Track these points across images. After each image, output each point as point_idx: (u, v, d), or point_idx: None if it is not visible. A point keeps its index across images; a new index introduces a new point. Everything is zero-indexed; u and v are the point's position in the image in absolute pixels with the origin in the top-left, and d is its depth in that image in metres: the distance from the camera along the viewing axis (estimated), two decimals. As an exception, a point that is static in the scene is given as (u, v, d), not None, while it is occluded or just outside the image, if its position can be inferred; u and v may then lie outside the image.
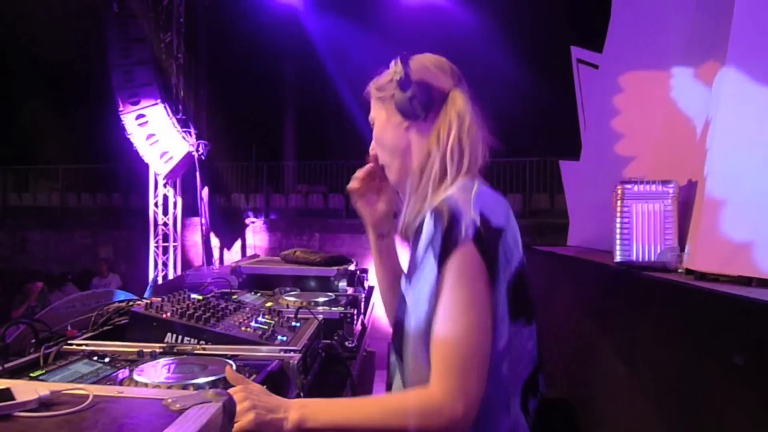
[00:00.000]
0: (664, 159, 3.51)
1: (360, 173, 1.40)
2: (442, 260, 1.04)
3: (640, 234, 2.91)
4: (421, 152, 1.22)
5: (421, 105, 1.20)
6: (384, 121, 1.28)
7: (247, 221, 12.39)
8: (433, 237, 1.06)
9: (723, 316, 2.09)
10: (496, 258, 1.06)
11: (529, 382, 1.15)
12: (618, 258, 2.99)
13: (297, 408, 1.00)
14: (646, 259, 2.89)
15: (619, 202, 2.96)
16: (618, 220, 2.96)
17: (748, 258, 2.39)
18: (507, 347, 1.09)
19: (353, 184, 1.40)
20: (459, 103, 1.20)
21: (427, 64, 1.24)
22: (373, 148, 1.33)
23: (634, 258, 2.93)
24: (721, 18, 2.81)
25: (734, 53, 2.64)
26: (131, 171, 13.87)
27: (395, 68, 1.23)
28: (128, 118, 9.02)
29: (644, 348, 2.69)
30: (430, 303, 1.06)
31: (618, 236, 2.97)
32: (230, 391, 0.99)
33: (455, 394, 1.00)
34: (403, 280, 1.19)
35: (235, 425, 0.90)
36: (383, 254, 1.46)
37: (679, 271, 2.78)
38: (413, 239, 1.15)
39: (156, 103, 9.04)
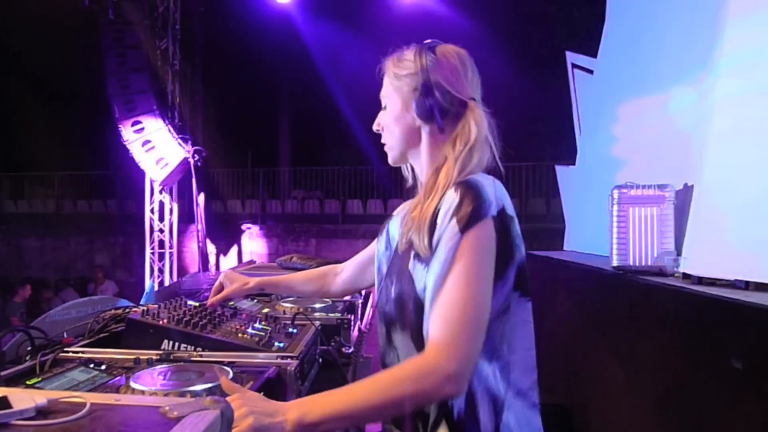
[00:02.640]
0: (660, 163, 3.51)
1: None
2: (465, 228, 1.09)
3: (636, 238, 2.91)
4: (436, 153, 1.26)
5: (441, 114, 1.23)
6: (398, 113, 1.30)
7: (243, 227, 12.37)
8: (459, 207, 1.11)
9: (720, 320, 2.10)
10: (512, 240, 1.15)
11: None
12: (615, 262, 2.99)
13: (295, 407, 1.00)
14: (643, 263, 2.90)
15: (615, 207, 2.97)
16: (614, 224, 2.97)
17: (744, 262, 2.39)
18: (519, 317, 1.19)
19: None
20: (477, 116, 1.23)
21: (453, 62, 1.26)
22: (378, 125, 1.36)
23: (630, 262, 2.93)
24: (716, 22, 2.82)
25: (729, 58, 2.65)
26: (127, 178, 13.86)
27: (419, 60, 1.25)
28: (124, 125, 9.01)
29: (641, 352, 2.69)
30: (445, 267, 1.10)
31: (614, 241, 2.98)
32: (227, 398, 0.98)
33: (448, 353, 1.04)
34: (411, 262, 1.21)
35: (234, 431, 0.89)
36: (289, 291, 1.81)
37: (676, 275, 2.79)
38: (428, 225, 1.17)
39: (152, 110, 9.03)
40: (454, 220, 1.11)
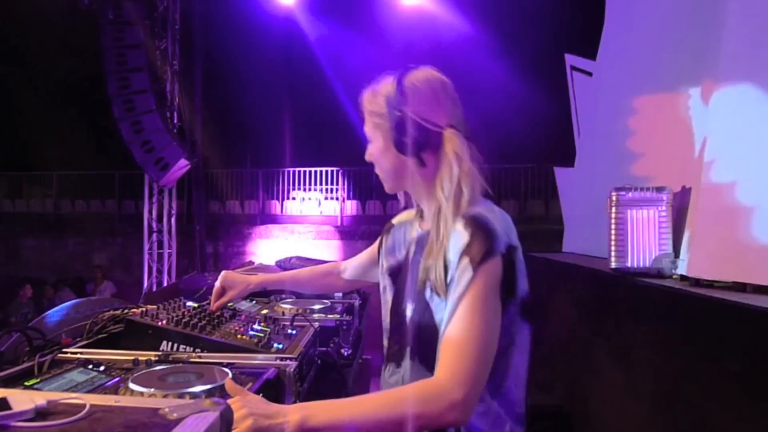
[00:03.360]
0: (658, 165, 3.52)
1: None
2: (478, 266, 1.11)
3: (634, 240, 2.92)
4: (428, 185, 1.28)
5: (419, 148, 1.25)
6: (381, 148, 1.32)
7: (241, 227, 12.36)
8: (469, 245, 1.13)
9: (718, 322, 2.10)
10: (515, 273, 1.17)
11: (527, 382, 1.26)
12: (613, 264, 3.00)
13: (297, 410, 1.00)
14: (641, 265, 2.90)
15: (613, 209, 2.97)
16: (613, 226, 2.97)
17: (742, 264, 2.40)
18: (515, 343, 1.21)
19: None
20: (455, 145, 1.23)
21: (423, 92, 1.26)
22: (370, 156, 1.37)
23: (629, 264, 2.93)
24: (715, 25, 2.83)
25: (727, 62, 2.65)
26: (126, 178, 13.87)
27: (390, 95, 1.26)
28: (123, 125, 9.00)
29: (640, 353, 2.70)
30: (456, 303, 1.12)
31: (613, 243, 2.98)
32: (228, 401, 0.99)
33: (456, 380, 1.05)
34: (426, 291, 1.23)
35: (234, 431, 0.89)
36: (296, 287, 1.83)
37: (674, 277, 2.79)
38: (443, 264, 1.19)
39: (151, 110, 9.02)
40: (466, 260, 1.13)
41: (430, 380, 1.08)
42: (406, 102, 1.24)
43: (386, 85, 1.28)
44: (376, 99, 1.30)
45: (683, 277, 2.68)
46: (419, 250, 1.30)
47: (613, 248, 2.99)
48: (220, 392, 1.05)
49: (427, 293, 1.23)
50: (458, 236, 1.16)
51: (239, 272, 2.47)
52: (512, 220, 1.25)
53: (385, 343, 1.39)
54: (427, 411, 1.03)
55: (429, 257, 1.23)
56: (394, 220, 1.52)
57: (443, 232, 1.20)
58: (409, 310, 1.28)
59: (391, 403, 1.05)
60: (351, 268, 1.74)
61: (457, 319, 1.11)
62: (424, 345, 1.22)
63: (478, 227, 1.15)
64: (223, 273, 1.76)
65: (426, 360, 1.21)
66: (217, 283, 1.71)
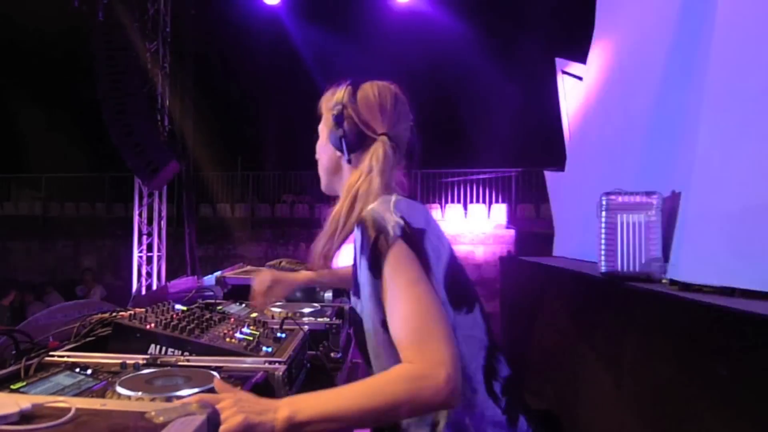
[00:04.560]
0: (648, 169, 3.54)
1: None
2: (377, 264, 1.13)
3: (624, 245, 2.93)
4: (345, 186, 1.33)
5: (348, 146, 1.32)
6: (323, 142, 1.42)
7: (232, 231, 12.33)
8: (363, 245, 1.16)
9: (706, 327, 2.11)
10: (425, 253, 1.15)
11: (487, 368, 1.20)
12: (603, 268, 3.01)
13: (286, 405, 1.00)
14: (631, 269, 2.91)
15: (603, 213, 2.98)
16: (603, 230, 2.98)
17: (731, 269, 2.41)
18: (461, 335, 1.16)
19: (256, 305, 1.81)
20: (378, 153, 1.28)
21: (370, 99, 1.32)
22: (316, 153, 1.46)
23: (618, 268, 2.95)
24: (704, 30, 2.85)
25: (716, 67, 2.67)
26: (116, 180, 13.81)
27: (341, 96, 1.34)
28: (113, 128, 8.95)
29: (629, 357, 2.71)
30: (375, 303, 1.15)
31: (602, 247, 2.99)
32: (218, 397, 0.98)
33: (432, 362, 1.03)
34: (352, 298, 1.29)
35: (223, 426, 0.89)
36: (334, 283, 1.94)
37: (663, 281, 2.80)
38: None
39: (141, 113, 8.98)
40: (365, 259, 1.15)
41: (408, 366, 1.05)
42: (351, 102, 1.32)
43: (344, 87, 1.35)
44: (331, 97, 1.37)
45: (672, 282, 2.69)
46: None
47: (602, 252, 3.00)
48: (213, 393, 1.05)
49: (353, 299, 1.28)
50: (356, 240, 1.19)
51: (229, 275, 2.48)
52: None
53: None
54: (416, 399, 1.02)
55: (316, 249, 1.31)
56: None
57: (338, 231, 1.26)
58: (351, 314, 1.33)
59: (377, 392, 1.04)
60: None
61: (392, 310, 1.11)
62: (358, 344, 1.27)
63: (366, 223, 1.16)
64: (267, 271, 1.82)
65: (364, 355, 1.25)
66: (265, 279, 1.79)
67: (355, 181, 1.28)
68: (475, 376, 1.18)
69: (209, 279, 2.62)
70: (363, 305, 1.20)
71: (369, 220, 1.16)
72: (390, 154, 1.29)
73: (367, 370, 1.28)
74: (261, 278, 1.79)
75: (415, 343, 1.06)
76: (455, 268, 1.22)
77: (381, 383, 1.07)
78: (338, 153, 1.35)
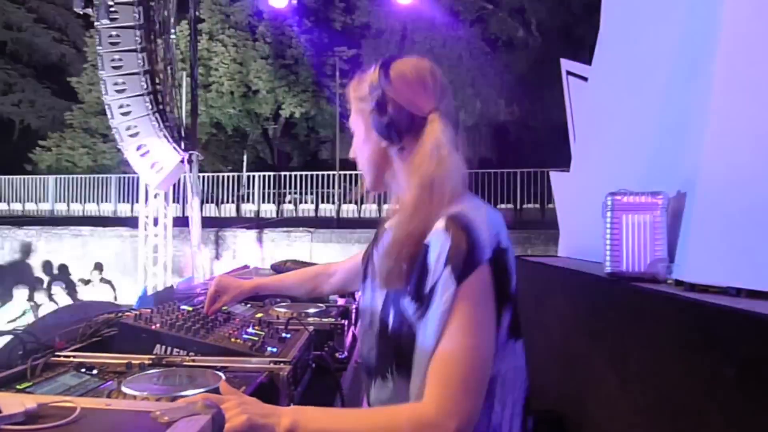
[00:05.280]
0: (654, 170, 3.53)
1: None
2: (462, 278, 1.03)
3: (629, 245, 2.92)
4: (403, 176, 1.21)
5: (398, 132, 1.18)
6: (363, 135, 1.26)
7: (237, 231, 12.35)
8: (452, 251, 1.04)
9: (712, 328, 2.10)
10: (508, 277, 1.09)
11: (527, 400, 1.18)
12: (608, 269, 3.00)
13: (289, 414, 0.99)
14: (636, 269, 2.90)
15: (608, 213, 2.97)
16: (607, 231, 2.97)
17: (737, 269, 2.40)
18: (510, 366, 1.13)
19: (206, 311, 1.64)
20: (436, 131, 1.15)
21: (408, 77, 1.19)
22: (353, 151, 1.31)
23: (623, 269, 2.94)
24: (711, 29, 2.84)
25: (722, 66, 2.66)
26: (121, 181, 13.86)
27: (374, 79, 1.20)
28: (119, 128, 8.99)
29: (634, 359, 2.70)
30: (443, 319, 1.04)
31: (608, 247, 2.98)
32: (223, 398, 0.98)
33: (449, 411, 1.00)
34: (402, 300, 1.14)
35: (227, 425, 0.89)
36: (284, 291, 1.86)
37: (669, 282, 2.80)
38: (407, 257, 1.11)
39: (146, 114, 9.01)
40: (449, 269, 1.04)
41: (422, 407, 1.02)
42: (389, 84, 1.18)
43: (372, 71, 1.22)
44: (360, 85, 1.25)
45: (678, 282, 2.68)
46: None
47: (608, 253, 2.99)
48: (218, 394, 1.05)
49: (405, 300, 1.13)
50: (439, 238, 1.07)
51: (234, 276, 2.47)
52: (507, 224, 1.16)
53: (365, 351, 1.30)
54: None
55: (392, 251, 1.13)
56: (387, 223, 1.37)
57: (415, 225, 1.10)
58: (391, 320, 1.17)
59: (381, 426, 1.03)
60: (340, 272, 1.71)
61: (447, 340, 1.03)
62: (405, 359, 1.12)
63: (461, 230, 1.05)
64: (217, 277, 1.76)
65: (407, 375, 1.13)
66: (211, 288, 1.69)
67: (424, 166, 1.13)
68: (518, 408, 1.16)
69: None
70: (429, 320, 1.07)
71: (465, 226, 1.06)
72: (447, 128, 1.16)
73: (386, 380, 1.19)
74: (211, 286, 1.70)
75: (443, 387, 1.02)
76: (516, 294, 1.15)
77: (387, 417, 1.05)
78: (384, 143, 1.21)
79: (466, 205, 1.12)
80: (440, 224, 1.08)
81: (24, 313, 8.48)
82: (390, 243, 1.16)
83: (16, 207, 15.14)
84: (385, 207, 1.49)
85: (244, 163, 14.35)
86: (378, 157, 1.25)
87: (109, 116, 9.12)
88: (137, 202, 10.38)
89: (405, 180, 1.21)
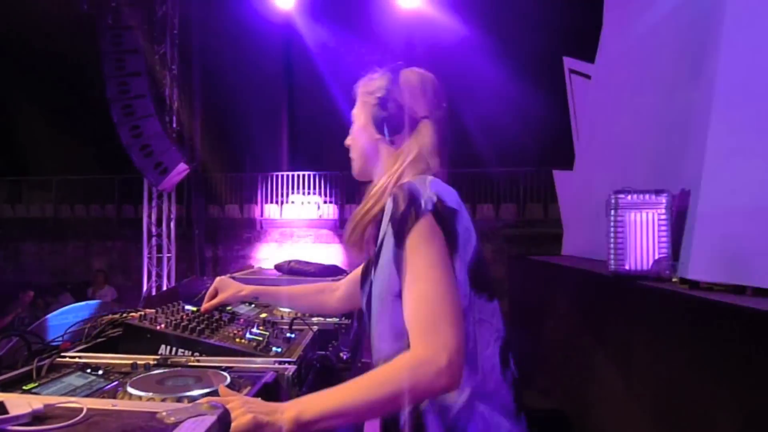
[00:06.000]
0: (657, 168, 3.52)
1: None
2: (402, 233, 1.13)
3: (633, 243, 2.92)
4: (384, 168, 1.35)
5: (392, 128, 1.33)
6: (361, 126, 1.41)
7: (241, 232, 12.36)
8: (393, 213, 1.16)
9: (717, 325, 2.10)
10: (455, 232, 1.16)
11: (502, 357, 1.22)
12: (612, 267, 3.00)
13: (293, 406, 1.01)
14: (640, 268, 2.90)
15: (612, 212, 2.97)
16: (612, 229, 2.97)
17: (741, 267, 2.40)
18: (473, 316, 1.18)
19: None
20: (424, 135, 1.32)
21: (413, 83, 1.36)
22: (349, 138, 1.45)
23: (628, 267, 2.93)
24: (714, 26, 2.83)
25: (725, 64, 2.66)
26: (125, 182, 13.88)
27: (382, 80, 1.36)
28: (122, 130, 9.01)
29: (639, 356, 2.69)
30: (392, 271, 1.16)
31: (612, 245, 2.98)
32: (227, 398, 0.99)
33: (435, 346, 1.04)
34: (371, 273, 1.28)
35: (232, 425, 0.89)
36: (285, 302, 1.90)
37: (673, 280, 2.79)
38: (364, 228, 1.31)
39: (150, 115, 9.02)
40: (391, 227, 1.16)
41: (410, 353, 1.07)
42: (395, 86, 1.34)
43: (382, 72, 1.38)
44: (370, 81, 1.40)
45: (682, 280, 2.68)
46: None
47: (612, 251, 2.99)
48: (218, 396, 1.05)
49: (373, 274, 1.26)
50: (387, 208, 1.20)
51: (238, 277, 2.48)
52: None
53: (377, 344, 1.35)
54: (417, 382, 1.03)
55: (353, 221, 1.32)
56: None
57: (372, 202, 1.29)
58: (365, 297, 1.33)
59: (379, 382, 1.06)
60: (343, 285, 1.73)
61: (408, 285, 1.12)
62: (376, 317, 1.26)
63: (400, 193, 1.17)
64: (218, 277, 1.78)
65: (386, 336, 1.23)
66: (212, 286, 1.74)
67: (400, 160, 1.31)
68: (491, 360, 1.19)
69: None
70: (379, 270, 1.22)
71: (403, 190, 1.17)
72: (433, 136, 1.32)
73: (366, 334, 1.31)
74: (213, 284, 1.77)
75: (422, 327, 1.08)
76: (481, 257, 1.23)
77: (383, 374, 1.08)
78: (378, 135, 1.36)
79: (414, 178, 1.24)
80: (388, 200, 1.21)
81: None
82: (353, 215, 1.34)
83: (20, 207, 15.19)
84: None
85: (248, 163, 14.34)
86: (369, 147, 1.40)
87: (113, 116, 9.13)
88: (141, 202, 10.38)
89: (384, 171, 1.35)
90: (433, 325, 1.07)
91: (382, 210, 1.24)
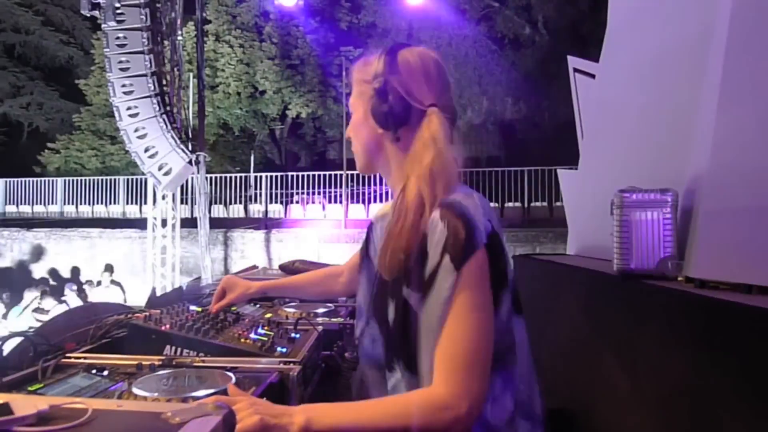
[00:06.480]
0: (663, 166, 3.51)
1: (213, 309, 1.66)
2: (460, 265, 1.05)
3: (639, 242, 2.91)
4: (400, 165, 1.23)
5: (396, 122, 1.20)
6: (361, 118, 1.27)
7: (245, 232, 12.38)
8: (449, 239, 1.06)
9: (724, 324, 2.09)
10: (504, 260, 1.12)
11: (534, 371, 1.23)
12: (617, 266, 2.99)
13: (302, 412, 0.99)
14: (646, 267, 2.89)
15: (617, 211, 2.96)
16: (617, 228, 2.96)
17: (748, 265, 2.39)
18: (514, 338, 1.15)
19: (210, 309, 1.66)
20: (434, 126, 1.17)
21: (414, 67, 1.21)
22: (349, 130, 1.32)
23: (633, 266, 2.92)
24: (719, 25, 2.82)
25: (731, 61, 2.65)
26: (129, 182, 13.92)
27: (379, 65, 1.22)
28: (126, 130, 9.03)
29: (645, 356, 2.69)
30: (446, 305, 1.06)
31: (617, 245, 2.97)
32: (234, 399, 0.98)
33: (459, 392, 1.02)
34: (403, 289, 1.14)
35: (239, 426, 0.89)
36: (293, 293, 1.92)
37: (679, 278, 2.78)
38: (406, 247, 1.12)
39: (154, 116, 9.04)
40: (448, 257, 1.06)
41: (432, 392, 1.04)
42: (393, 72, 1.19)
43: (378, 55, 1.24)
44: (365, 67, 1.26)
45: (688, 279, 2.67)
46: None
47: (617, 250, 2.98)
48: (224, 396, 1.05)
49: (405, 290, 1.13)
50: (436, 227, 1.08)
51: (242, 276, 2.47)
52: (515, 222, 1.21)
53: (367, 344, 1.28)
54: (431, 423, 1.01)
55: (391, 242, 1.14)
56: (374, 216, 1.42)
57: (412, 216, 1.12)
58: (390, 311, 1.17)
59: (395, 414, 1.03)
60: (347, 271, 1.72)
61: (449, 326, 1.06)
62: (411, 348, 1.13)
63: (455, 218, 1.07)
64: (225, 276, 1.77)
65: (414, 364, 1.13)
66: (219, 286, 1.71)
67: (422, 161, 1.15)
68: (531, 378, 1.19)
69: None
70: (429, 305, 1.09)
71: (459, 214, 1.07)
72: (446, 126, 1.18)
73: (397, 381, 1.18)
74: (220, 284, 1.72)
75: (451, 369, 1.04)
76: (514, 277, 1.19)
77: (400, 405, 1.06)
78: (380, 130, 1.22)
79: (458, 193, 1.14)
80: (436, 214, 1.09)
81: (23, 311, 8.54)
82: (388, 234, 1.16)
83: (25, 209, 15.23)
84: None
85: (252, 164, 14.36)
86: (373, 142, 1.26)
87: (117, 118, 9.16)
88: (145, 203, 10.42)
89: (397, 169, 1.24)
90: (462, 370, 1.04)
91: (419, 224, 1.12)
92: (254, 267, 3.09)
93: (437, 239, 1.08)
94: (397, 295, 1.16)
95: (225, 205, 13.74)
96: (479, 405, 1.04)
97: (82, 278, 12.35)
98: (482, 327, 1.07)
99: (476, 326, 1.06)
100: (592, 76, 5.66)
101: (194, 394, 1.07)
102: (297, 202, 13.60)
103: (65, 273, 12.89)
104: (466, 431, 1.03)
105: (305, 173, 13.82)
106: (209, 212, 10.76)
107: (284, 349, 1.43)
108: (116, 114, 9.12)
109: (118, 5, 8.83)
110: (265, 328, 1.62)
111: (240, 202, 13.89)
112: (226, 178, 13.81)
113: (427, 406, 1.02)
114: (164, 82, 9.46)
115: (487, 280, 1.08)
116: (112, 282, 11.12)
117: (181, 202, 10.56)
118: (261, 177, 13.86)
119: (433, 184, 1.12)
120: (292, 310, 2.04)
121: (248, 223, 12.91)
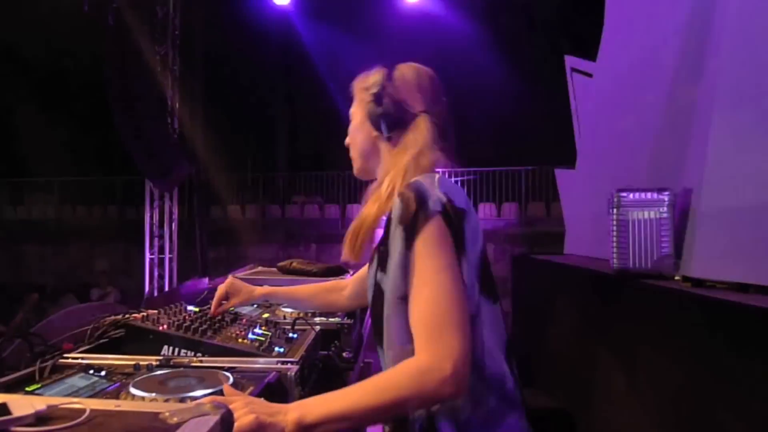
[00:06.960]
0: (659, 166, 3.52)
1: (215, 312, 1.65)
2: (411, 235, 1.11)
3: (636, 241, 2.91)
4: (386, 166, 1.33)
5: (389, 124, 1.31)
6: (358, 123, 1.39)
7: (243, 232, 12.36)
8: (401, 214, 1.14)
9: (720, 323, 2.10)
10: (462, 233, 1.14)
11: (508, 361, 1.21)
12: (614, 266, 3.00)
13: (295, 408, 1.01)
14: (643, 266, 2.90)
15: (614, 210, 2.97)
16: (614, 227, 2.97)
17: (744, 265, 2.40)
18: (479, 316, 1.15)
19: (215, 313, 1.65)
20: (420, 129, 1.29)
21: (408, 78, 1.33)
22: (348, 137, 1.44)
23: (630, 265, 2.93)
24: (715, 26, 2.83)
25: (727, 62, 2.66)
26: (127, 183, 13.90)
27: (378, 76, 1.34)
28: (124, 131, 9.01)
29: (642, 354, 2.69)
30: (400, 274, 1.13)
31: (614, 244, 2.98)
32: (230, 399, 0.99)
33: (439, 354, 1.03)
34: (377, 274, 1.24)
35: (235, 425, 0.89)
36: (294, 303, 1.90)
37: (676, 278, 2.79)
38: (371, 232, 1.27)
39: (152, 116, 9.03)
40: (401, 227, 1.13)
41: (415, 360, 1.06)
42: (390, 81, 1.32)
43: (379, 69, 1.36)
44: (366, 78, 1.38)
45: (685, 278, 2.67)
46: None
47: (614, 250, 2.99)
48: (222, 396, 1.05)
49: (378, 275, 1.23)
50: (395, 208, 1.16)
51: (241, 277, 2.47)
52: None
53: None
54: (421, 393, 1.03)
55: (360, 226, 1.27)
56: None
57: (383, 193, 1.25)
58: (371, 291, 1.28)
59: (383, 388, 1.05)
60: (351, 283, 1.74)
61: (417, 293, 1.10)
62: (378, 330, 1.23)
63: (410, 192, 1.14)
64: (230, 278, 1.76)
65: (380, 341, 1.23)
66: (222, 288, 1.70)
67: (402, 157, 1.28)
68: (499, 365, 1.18)
69: (221, 280, 2.62)
70: (388, 275, 1.18)
71: (411, 191, 1.15)
72: (433, 130, 1.29)
73: (378, 350, 1.27)
74: (221, 287, 1.73)
75: (428, 333, 1.07)
76: (486, 259, 1.22)
77: (388, 380, 1.08)
78: (375, 132, 1.34)
79: (421, 176, 1.21)
80: (396, 199, 1.18)
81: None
82: (359, 218, 1.29)
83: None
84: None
85: (249, 165, 14.35)
86: (368, 145, 1.38)
87: (114, 118, 9.14)
88: (143, 204, 10.38)
89: (386, 169, 1.33)
90: (438, 332, 1.05)
91: (388, 211, 1.21)
92: (252, 267, 3.09)
93: (394, 215, 1.16)
94: (372, 281, 1.26)
95: (223, 205, 13.73)
96: (465, 362, 1.04)
97: (80, 279, 12.32)
98: (450, 287, 1.09)
99: (443, 287, 1.08)
100: (590, 75, 5.67)
101: (192, 394, 1.07)
102: (294, 202, 13.60)
103: (63, 274, 12.86)
104: (459, 390, 1.04)
105: (303, 173, 13.82)
106: (207, 213, 10.77)
107: (282, 349, 1.43)
108: (114, 113, 9.09)
109: (116, 4, 8.81)
110: (263, 328, 1.62)
111: (238, 203, 13.88)
112: (223, 178, 13.81)
113: (412, 374, 1.04)
114: (163, 82, 9.44)
115: (448, 245, 1.11)
116: (110, 282, 11.10)
117: (179, 203, 10.53)
118: (259, 177, 13.86)
119: (404, 177, 1.24)
120: (289, 310, 2.04)
121: (246, 223, 12.90)
